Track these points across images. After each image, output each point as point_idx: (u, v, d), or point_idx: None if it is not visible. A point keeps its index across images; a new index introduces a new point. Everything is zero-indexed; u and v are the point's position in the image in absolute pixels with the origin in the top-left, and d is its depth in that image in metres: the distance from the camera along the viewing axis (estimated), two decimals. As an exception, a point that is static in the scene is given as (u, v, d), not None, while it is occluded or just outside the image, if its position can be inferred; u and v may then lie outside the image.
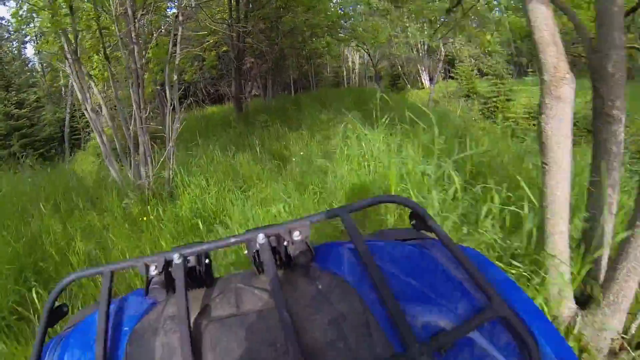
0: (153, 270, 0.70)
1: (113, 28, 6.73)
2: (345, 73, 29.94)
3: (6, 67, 22.56)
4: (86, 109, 6.84)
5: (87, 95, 6.94)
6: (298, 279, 0.70)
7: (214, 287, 0.74)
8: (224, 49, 14.82)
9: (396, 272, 0.68)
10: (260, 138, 11.30)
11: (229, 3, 14.75)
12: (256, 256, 0.72)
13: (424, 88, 32.68)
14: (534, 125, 22.01)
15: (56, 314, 0.75)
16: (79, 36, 7.09)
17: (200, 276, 0.74)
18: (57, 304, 0.75)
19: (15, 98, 20.09)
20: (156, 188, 6.59)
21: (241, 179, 7.10)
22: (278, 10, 15.91)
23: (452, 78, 30.46)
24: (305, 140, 11.05)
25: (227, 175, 6.94)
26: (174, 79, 7.09)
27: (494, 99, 24.99)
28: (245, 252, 0.76)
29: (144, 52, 6.82)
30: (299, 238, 0.70)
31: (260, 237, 0.70)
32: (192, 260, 0.72)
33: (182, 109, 21.46)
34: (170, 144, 6.69)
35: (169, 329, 0.64)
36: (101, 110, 7.43)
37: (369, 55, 20.06)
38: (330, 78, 33.57)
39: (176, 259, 0.69)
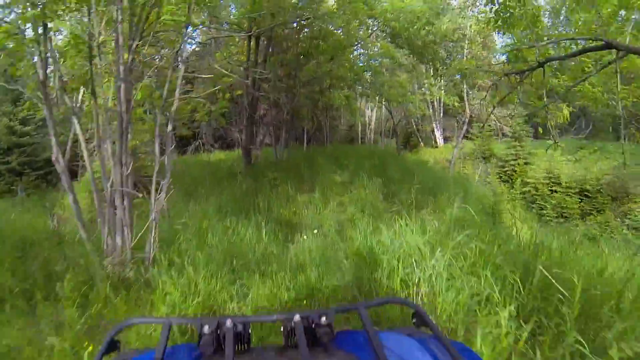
0: (206, 329, 0.94)
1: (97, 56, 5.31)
2: (359, 128, 28.71)
3: (17, 80, 21.47)
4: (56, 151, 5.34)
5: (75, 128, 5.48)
6: (319, 354, 0.93)
7: (252, 353, 0.97)
8: (239, 92, 13.49)
9: (396, 352, 0.94)
10: (268, 200, 9.81)
11: (248, 44, 13.65)
12: (289, 332, 0.99)
13: (437, 147, 31.54)
14: (553, 191, 20.74)
15: (112, 346, 0.96)
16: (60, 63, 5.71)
17: (242, 340, 0.98)
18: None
19: (22, 114, 18.83)
20: (129, 270, 5.01)
21: (241, 265, 5.53)
22: (299, 57, 14.83)
23: (467, 138, 29.33)
24: (318, 208, 9.52)
25: (224, 262, 5.37)
26: (168, 129, 5.66)
27: (512, 162, 23.61)
28: (281, 328, 1.01)
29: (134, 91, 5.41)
30: (325, 322, 0.97)
31: (297, 318, 0.97)
32: (239, 327, 0.96)
33: (190, 152, 20.10)
34: (153, 216, 5.18)
35: None
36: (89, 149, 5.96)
37: (390, 112, 18.85)
38: (344, 132, 32.48)
39: (228, 324, 0.93)
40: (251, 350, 0.99)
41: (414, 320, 1.06)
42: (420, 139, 32.95)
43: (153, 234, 5.24)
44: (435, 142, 32.20)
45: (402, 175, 11.74)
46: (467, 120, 18.91)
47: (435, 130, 31.92)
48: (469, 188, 13.22)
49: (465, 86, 19.06)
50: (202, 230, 6.82)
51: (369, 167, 12.25)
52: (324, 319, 0.97)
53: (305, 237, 7.31)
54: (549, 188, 20.98)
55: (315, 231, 7.67)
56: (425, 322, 1.01)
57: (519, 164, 23.33)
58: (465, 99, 19.10)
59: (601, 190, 19.74)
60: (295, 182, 11.53)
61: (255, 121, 15.67)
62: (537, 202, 20.52)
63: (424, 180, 11.63)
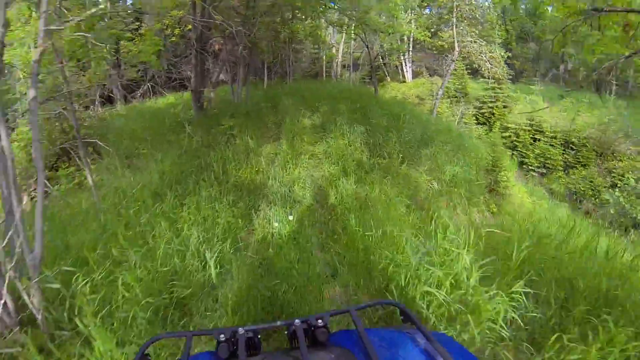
0: (222, 337, 1.12)
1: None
2: (324, 62, 25.97)
3: None
4: None
5: None
6: (319, 351, 1.08)
7: (262, 356, 1.13)
8: (190, 26, 10.90)
9: (384, 346, 1.08)
10: (224, 158, 7.69)
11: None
12: (292, 335, 1.18)
13: (405, 82, 29.43)
14: (535, 139, 19.29)
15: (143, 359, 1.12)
16: None
17: (253, 346, 1.18)
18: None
19: None
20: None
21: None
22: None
23: (438, 75, 27.27)
24: (287, 164, 7.51)
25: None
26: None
27: (490, 104, 21.86)
28: (286, 332, 1.22)
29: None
30: (321, 324, 1.16)
31: (297, 322, 1.17)
32: (250, 334, 1.16)
33: (138, 98, 17.39)
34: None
35: None
36: None
37: (367, 45, 16.28)
38: (307, 66, 29.72)
39: (241, 331, 1.14)
40: (261, 353, 1.16)
41: (402, 317, 1.27)
42: (386, 73, 30.69)
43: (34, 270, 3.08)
44: (404, 77, 29.98)
45: (386, 122, 9.70)
46: (455, 57, 16.56)
47: (404, 65, 29.58)
48: (462, 138, 11.35)
49: (454, 20, 16.52)
50: (136, 230, 4.72)
51: (346, 110, 10.10)
52: (320, 321, 1.16)
53: (275, 223, 5.34)
54: (531, 136, 19.47)
55: (291, 217, 5.69)
56: (410, 318, 1.22)
57: (497, 107, 21.62)
58: (455, 34, 16.62)
59: (586, 144, 18.38)
60: (257, 129, 9.35)
61: (207, 58, 13.09)
62: (518, 149, 19.00)
63: (411, 127, 9.65)
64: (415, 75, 30.60)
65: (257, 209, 6.43)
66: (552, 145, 18.39)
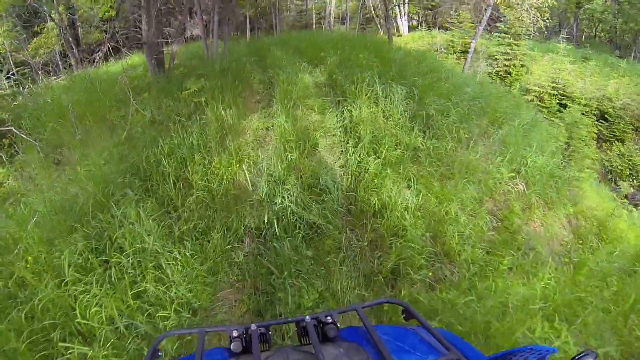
0: (235, 333, 1.11)
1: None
2: (314, 12, 22.04)
3: None
4: None
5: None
6: (329, 346, 1.06)
7: (274, 351, 1.08)
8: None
9: (391, 340, 1.08)
10: (182, 147, 4.53)
11: None
12: (302, 331, 1.16)
13: (400, 35, 25.69)
14: (563, 106, 15.78)
15: (155, 355, 1.11)
16: None
17: (265, 340, 1.17)
18: None
19: None
20: None
21: None
22: None
23: (442, 28, 23.60)
24: (287, 150, 4.39)
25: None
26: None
27: (506, 62, 18.32)
28: (296, 329, 1.20)
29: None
30: (330, 321, 1.14)
31: (308, 319, 1.15)
32: (262, 329, 1.15)
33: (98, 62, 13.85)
34: None
35: None
36: None
37: None
38: (294, 18, 25.88)
39: (253, 327, 1.11)
40: (272, 349, 1.12)
41: (403, 315, 1.25)
42: (379, 26, 26.84)
43: None
44: (398, 30, 26.16)
45: (425, 79, 6.39)
46: (490, 7, 12.49)
47: (399, 17, 25.69)
48: (526, 108, 7.97)
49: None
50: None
51: (363, 63, 6.75)
52: (329, 318, 1.15)
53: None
54: (558, 101, 16.01)
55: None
56: (413, 315, 1.20)
57: (514, 66, 18.10)
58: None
59: (622, 116, 14.99)
60: (237, 94, 6.13)
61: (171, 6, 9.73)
62: (544, 116, 15.57)
63: (458, 90, 6.41)
64: (410, 29, 26.85)
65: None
66: (584, 114, 14.96)
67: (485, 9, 11.91)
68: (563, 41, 18.62)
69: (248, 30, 17.43)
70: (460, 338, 1.20)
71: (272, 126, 5.41)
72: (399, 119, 5.08)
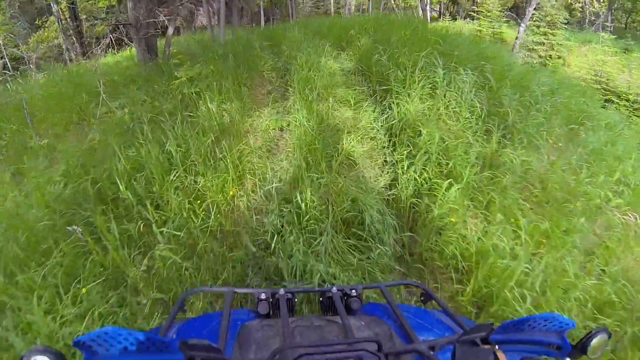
0: (262, 296, 1.11)
1: None
2: (331, 1, 20.24)
3: None
4: None
5: None
6: (351, 318, 1.01)
7: (300, 318, 1.04)
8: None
9: (411, 317, 1.08)
10: (157, 159, 2.92)
11: None
12: (327, 300, 1.16)
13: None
14: (608, 101, 13.65)
15: (181, 309, 1.08)
16: None
17: (290, 307, 1.14)
18: None
19: None
20: None
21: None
22: None
23: (470, 17, 21.62)
24: (305, 143, 2.70)
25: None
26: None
27: (542, 53, 16.36)
28: (321, 299, 1.20)
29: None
30: (355, 294, 1.13)
31: (334, 289, 1.13)
32: (289, 295, 1.14)
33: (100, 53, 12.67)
34: None
35: (267, 328, 0.97)
36: None
37: None
38: (309, 9, 24.25)
39: (282, 292, 1.12)
40: (297, 316, 1.08)
41: (422, 298, 1.23)
42: (396, 10, 24.97)
43: None
44: (416, 15, 24.29)
45: (495, 65, 4.66)
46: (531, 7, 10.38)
47: (421, 4, 23.81)
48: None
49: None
50: None
51: (406, 42, 5.04)
52: (354, 291, 1.13)
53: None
54: (602, 95, 13.98)
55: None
56: (432, 297, 1.18)
57: (550, 57, 16.13)
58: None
59: None
60: (241, 83, 4.60)
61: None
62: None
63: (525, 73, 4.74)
64: (432, 20, 25.03)
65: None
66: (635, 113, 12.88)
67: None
68: (608, 29, 16.60)
69: (262, 21, 15.89)
70: (473, 322, 1.14)
71: (288, 125, 3.87)
72: (468, 117, 3.47)
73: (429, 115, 3.42)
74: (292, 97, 4.38)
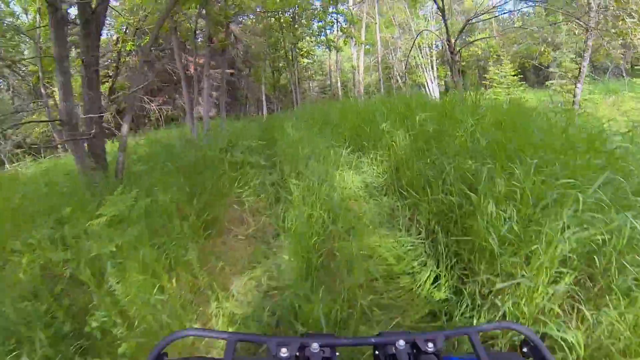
0: (284, 352, 0.64)
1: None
2: (339, 83, 18.96)
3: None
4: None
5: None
6: None
7: None
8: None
9: None
10: None
11: None
12: (388, 358, 0.68)
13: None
14: None
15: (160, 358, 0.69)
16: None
17: None
18: None
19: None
20: None
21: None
22: None
23: (484, 85, 20.37)
24: None
25: None
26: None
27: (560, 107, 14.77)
28: (376, 352, 0.70)
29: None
30: (432, 350, 0.67)
31: (401, 343, 0.68)
32: (327, 351, 0.66)
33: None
34: None
35: None
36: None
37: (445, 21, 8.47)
38: (315, 94, 23.32)
39: (315, 347, 0.66)
40: None
41: (524, 350, 0.73)
42: (406, 94, 23.90)
43: None
44: (428, 94, 23.14)
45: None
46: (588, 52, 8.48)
47: (429, 82, 22.74)
48: None
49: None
50: None
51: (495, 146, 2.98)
52: (430, 345, 0.68)
53: None
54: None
55: None
56: (540, 351, 0.69)
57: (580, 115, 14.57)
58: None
59: None
60: (196, 229, 2.61)
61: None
62: None
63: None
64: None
65: None
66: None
67: (590, 32, 8.13)
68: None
69: (265, 108, 14.50)
70: None
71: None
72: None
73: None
74: (286, 251, 2.36)
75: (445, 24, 7.07)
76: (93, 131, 4.37)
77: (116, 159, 4.65)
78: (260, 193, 3.36)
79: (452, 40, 6.94)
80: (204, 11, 6.76)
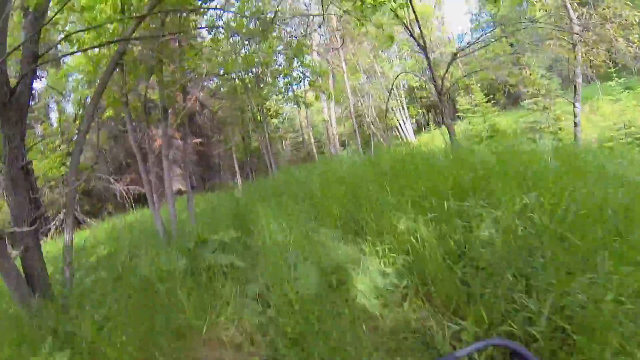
0: None
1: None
2: (312, 139, 18.57)
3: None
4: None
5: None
6: None
7: None
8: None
9: None
10: None
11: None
12: None
13: (408, 143, 22.45)
14: None
15: None
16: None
17: None
18: None
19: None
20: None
21: None
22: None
23: (457, 118, 20.37)
24: None
25: None
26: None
27: (550, 128, 14.60)
28: None
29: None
30: None
31: None
32: None
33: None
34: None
35: None
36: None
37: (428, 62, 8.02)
38: (289, 153, 22.86)
39: None
40: None
41: None
42: (382, 139, 23.69)
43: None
44: (405, 137, 22.91)
45: None
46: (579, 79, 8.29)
47: (402, 123, 22.65)
48: None
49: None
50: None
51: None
52: None
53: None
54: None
55: None
56: None
57: (560, 129, 14.38)
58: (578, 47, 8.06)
59: None
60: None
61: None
62: None
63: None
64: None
65: None
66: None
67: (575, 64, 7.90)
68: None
69: (238, 177, 13.79)
70: None
71: None
72: None
73: None
74: None
75: (429, 64, 6.62)
76: (22, 247, 3.52)
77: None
78: (242, 316, 2.53)
79: (439, 82, 6.46)
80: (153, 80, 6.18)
